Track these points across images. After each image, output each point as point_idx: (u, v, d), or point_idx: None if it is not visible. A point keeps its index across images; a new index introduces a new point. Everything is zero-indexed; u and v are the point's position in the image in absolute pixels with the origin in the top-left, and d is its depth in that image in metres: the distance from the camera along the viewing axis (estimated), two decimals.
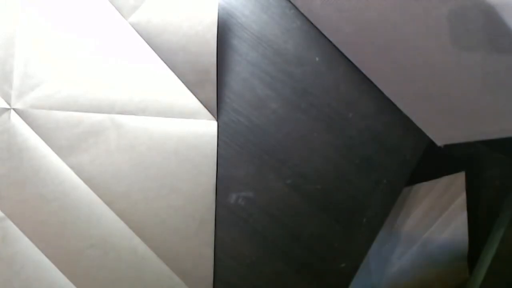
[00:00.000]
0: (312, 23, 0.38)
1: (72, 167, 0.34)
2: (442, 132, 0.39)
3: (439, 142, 0.40)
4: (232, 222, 0.36)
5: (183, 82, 0.34)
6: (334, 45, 0.38)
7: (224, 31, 0.37)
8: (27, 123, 0.33)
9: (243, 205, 0.34)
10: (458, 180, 0.54)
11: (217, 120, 0.35)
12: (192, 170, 0.35)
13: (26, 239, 0.33)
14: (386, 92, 0.39)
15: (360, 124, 0.38)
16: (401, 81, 0.36)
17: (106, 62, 0.34)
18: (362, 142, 0.38)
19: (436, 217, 0.53)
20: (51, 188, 0.33)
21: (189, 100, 0.34)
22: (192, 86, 0.34)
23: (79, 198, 0.34)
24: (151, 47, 0.34)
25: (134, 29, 0.34)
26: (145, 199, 0.34)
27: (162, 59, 0.34)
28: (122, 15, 0.34)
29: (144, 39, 0.34)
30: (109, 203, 0.34)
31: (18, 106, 0.33)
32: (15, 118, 0.33)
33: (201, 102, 0.34)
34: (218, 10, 0.34)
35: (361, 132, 0.38)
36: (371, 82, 0.39)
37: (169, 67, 0.34)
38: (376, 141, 0.39)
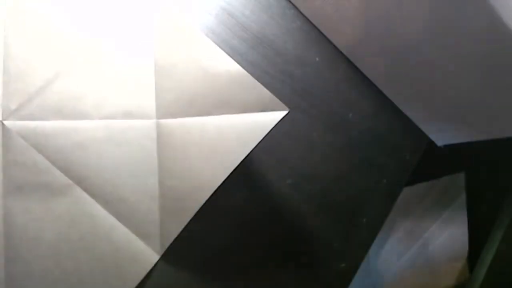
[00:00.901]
0: (312, 23, 0.38)
1: None
2: (442, 132, 0.39)
3: (439, 142, 0.40)
4: (231, 222, 0.36)
5: None
6: (334, 45, 0.38)
7: (224, 31, 0.37)
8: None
9: (242, 205, 0.34)
10: (458, 180, 0.54)
11: None
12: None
13: None
14: (386, 92, 0.39)
15: (360, 125, 0.38)
16: (401, 81, 0.36)
17: None
18: (362, 142, 0.38)
19: (436, 217, 0.53)
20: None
21: None
22: None
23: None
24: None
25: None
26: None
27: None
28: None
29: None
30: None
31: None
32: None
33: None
34: (219, 12, 0.33)
35: (362, 132, 0.38)
36: (371, 82, 0.39)
37: None
38: (376, 141, 0.39)
